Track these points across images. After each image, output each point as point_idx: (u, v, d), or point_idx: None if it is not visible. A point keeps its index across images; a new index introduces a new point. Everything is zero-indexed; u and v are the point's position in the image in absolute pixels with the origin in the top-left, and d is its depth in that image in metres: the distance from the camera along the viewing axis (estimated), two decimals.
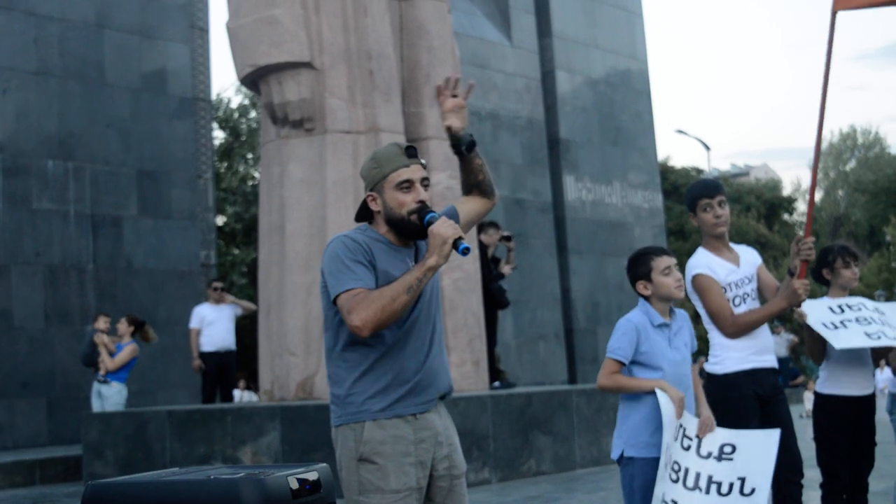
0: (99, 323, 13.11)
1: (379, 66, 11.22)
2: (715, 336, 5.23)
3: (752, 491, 4.76)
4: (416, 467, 3.50)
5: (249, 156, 30.25)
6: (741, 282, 5.26)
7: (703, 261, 5.26)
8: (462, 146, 3.76)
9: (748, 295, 5.28)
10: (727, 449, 4.78)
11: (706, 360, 5.36)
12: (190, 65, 17.82)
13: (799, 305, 5.18)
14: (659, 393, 4.59)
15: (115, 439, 11.08)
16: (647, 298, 4.78)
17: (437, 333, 3.65)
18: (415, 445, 3.51)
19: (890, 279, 40.36)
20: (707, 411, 4.76)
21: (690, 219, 5.39)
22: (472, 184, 3.83)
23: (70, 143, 15.87)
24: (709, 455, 4.73)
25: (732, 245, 5.39)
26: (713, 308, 5.18)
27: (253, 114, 30.34)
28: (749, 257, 5.40)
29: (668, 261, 4.78)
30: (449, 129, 3.77)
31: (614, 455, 4.82)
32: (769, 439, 4.86)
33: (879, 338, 5.44)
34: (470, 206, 3.83)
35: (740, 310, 5.22)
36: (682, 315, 4.88)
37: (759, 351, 5.21)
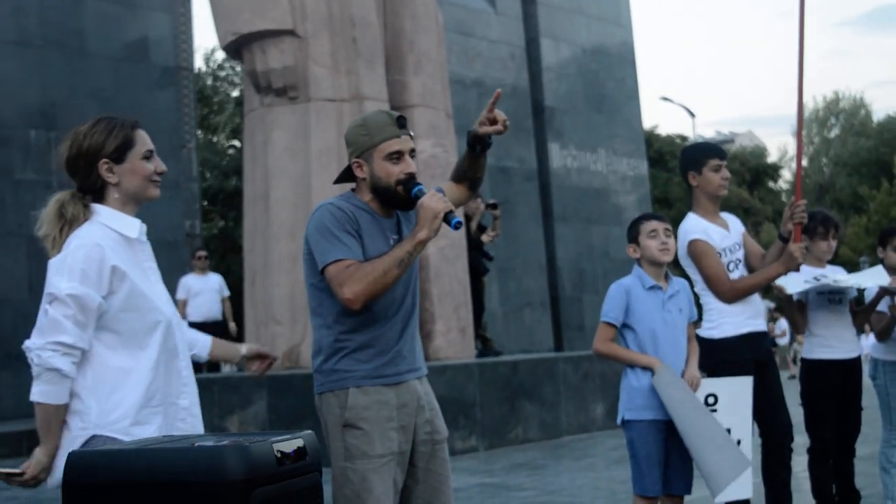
0: None
1: (362, 33, 11.15)
2: (710, 301, 5.21)
3: (738, 442, 4.84)
4: (398, 432, 3.50)
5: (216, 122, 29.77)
6: (733, 247, 5.25)
7: (698, 226, 5.21)
8: (479, 146, 3.76)
9: (740, 260, 5.26)
10: (710, 399, 4.84)
11: (699, 326, 5.36)
12: (172, 33, 17.68)
13: (797, 269, 5.15)
14: (661, 378, 4.64)
15: None
16: (639, 263, 4.86)
17: (416, 304, 3.64)
18: (397, 410, 3.51)
19: (873, 244, 40.52)
20: (692, 371, 4.77)
21: (689, 178, 5.26)
22: (470, 177, 3.83)
23: (52, 113, 15.75)
24: None
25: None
26: (710, 273, 5.14)
27: (209, 81, 29.90)
28: (735, 224, 5.39)
29: (655, 224, 4.83)
30: (485, 134, 3.74)
31: (618, 420, 4.88)
32: (743, 387, 4.91)
33: (850, 283, 5.54)
34: (455, 194, 3.82)
35: (734, 275, 5.20)
36: (679, 282, 4.91)
37: (753, 315, 5.21)
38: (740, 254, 5.28)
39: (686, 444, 4.66)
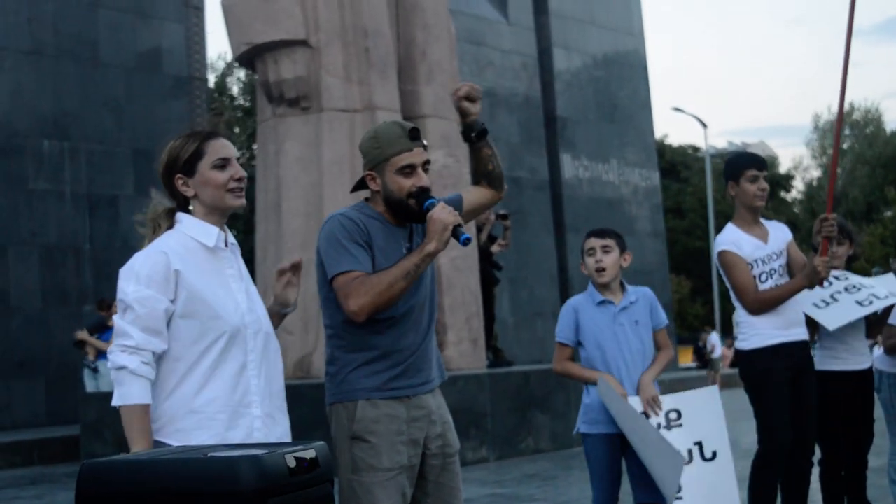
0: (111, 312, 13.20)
1: (375, 43, 11.18)
2: (742, 314, 5.21)
3: (714, 454, 4.82)
4: (408, 446, 3.48)
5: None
6: (768, 258, 5.22)
7: (729, 237, 5.21)
8: (473, 133, 3.71)
9: (775, 271, 5.22)
10: (672, 415, 4.83)
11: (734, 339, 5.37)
12: (185, 44, 17.76)
13: (821, 283, 5.13)
14: (601, 391, 4.65)
15: (113, 419, 10.98)
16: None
17: (433, 317, 3.62)
18: (408, 424, 3.49)
19: (888, 253, 40.32)
20: (649, 391, 4.75)
21: (729, 188, 5.27)
22: (481, 173, 3.75)
23: (65, 122, 15.82)
24: (658, 426, 4.77)
25: (763, 221, 5.33)
26: (737, 284, 5.15)
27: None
28: (778, 234, 5.34)
29: (594, 242, 4.82)
30: (463, 113, 3.69)
31: (574, 431, 4.93)
32: (710, 396, 4.92)
33: (871, 302, 5.45)
34: (475, 196, 3.76)
35: (766, 286, 5.17)
36: (637, 292, 4.88)
37: (787, 325, 5.17)
38: (777, 264, 5.24)
39: (636, 451, 4.67)
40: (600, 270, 4.76)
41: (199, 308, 3.11)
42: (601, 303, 4.79)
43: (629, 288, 4.87)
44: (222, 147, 3.25)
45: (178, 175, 3.23)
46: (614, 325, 4.76)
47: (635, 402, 4.73)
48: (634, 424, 4.62)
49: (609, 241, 4.81)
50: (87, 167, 15.99)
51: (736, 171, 5.25)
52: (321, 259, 3.50)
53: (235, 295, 3.21)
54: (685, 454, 4.75)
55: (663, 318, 4.93)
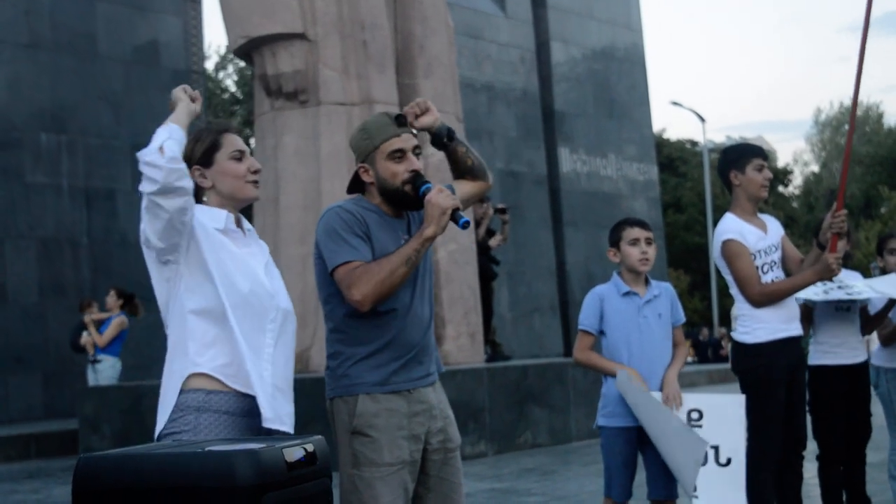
0: (93, 309, 13.10)
1: (373, 36, 11.15)
2: (744, 307, 5.15)
3: (728, 461, 4.82)
4: (409, 440, 3.47)
5: None
6: (769, 249, 5.17)
7: (733, 226, 5.14)
8: (442, 138, 3.69)
9: (775, 263, 5.19)
10: (694, 415, 4.82)
11: (732, 330, 5.32)
12: (182, 37, 17.72)
13: (830, 279, 5.09)
14: (620, 383, 4.63)
15: (110, 413, 11.06)
16: (618, 267, 4.87)
17: (432, 311, 3.62)
18: (408, 419, 3.48)
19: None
20: (674, 387, 4.74)
21: (731, 177, 5.17)
22: (464, 171, 3.76)
23: (62, 116, 15.79)
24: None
25: (758, 213, 5.31)
26: (742, 274, 5.08)
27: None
28: (774, 226, 5.31)
29: (639, 233, 4.80)
30: (426, 128, 3.66)
31: (594, 426, 4.93)
32: (735, 405, 4.90)
33: (861, 293, 5.45)
34: (465, 189, 3.76)
35: (768, 278, 5.12)
36: (660, 286, 4.88)
37: (788, 319, 5.15)
38: (776, 256, 5.20)
39: (654, 444, 4.65)
40: (644, 261, 4.76)
41: (211, 270, 3.16)
42: (626, 293, 4.78)
43: (652, 282, 4.87)
44: (237, 140, 3.36)
45: (196, 167, 3.31)
46: (638, 317, 4.76)
47: (657, 397, 4.72)
48: (654, 415, 4.60)
49: (651, 234, 4.84)
50: (85, 161, 15.96)
51: (741, 160, 5.18)
52: (320, 252, 3.48)
53: (255, 270, 3.26)
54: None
55: (682, 314, 4.94)
